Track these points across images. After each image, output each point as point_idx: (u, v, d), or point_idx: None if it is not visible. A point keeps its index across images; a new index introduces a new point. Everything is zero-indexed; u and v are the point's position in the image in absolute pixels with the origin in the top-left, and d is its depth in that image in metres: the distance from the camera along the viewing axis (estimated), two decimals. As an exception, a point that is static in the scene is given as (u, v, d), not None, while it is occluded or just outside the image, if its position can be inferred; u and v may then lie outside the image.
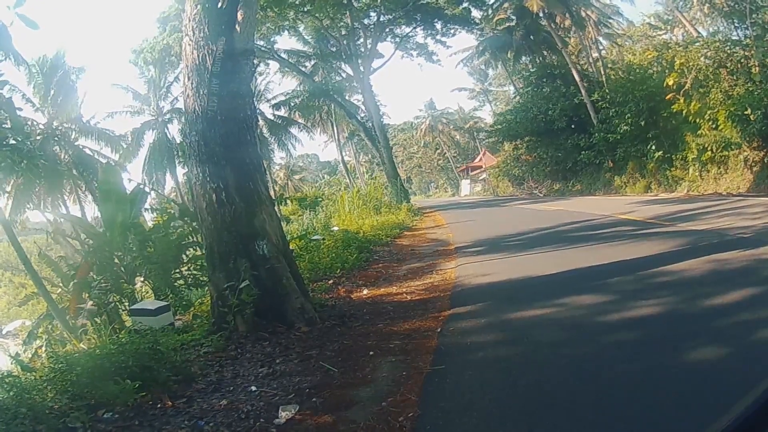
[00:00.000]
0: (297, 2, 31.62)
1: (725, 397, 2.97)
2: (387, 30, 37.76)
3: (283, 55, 37.40)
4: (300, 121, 43.12)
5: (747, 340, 4.12)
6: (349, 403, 3.96)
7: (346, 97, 40.91)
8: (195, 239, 9.26)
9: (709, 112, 20.25)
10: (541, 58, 38.22)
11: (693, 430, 2.78)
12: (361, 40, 37.19)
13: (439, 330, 5.57)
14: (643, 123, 24.74)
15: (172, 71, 36.34)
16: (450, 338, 5.27)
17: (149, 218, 10.99)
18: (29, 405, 3.65)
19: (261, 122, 35.53)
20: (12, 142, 8.01)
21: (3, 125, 8.12)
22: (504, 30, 37.62)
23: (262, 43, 33.40)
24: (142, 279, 8.48)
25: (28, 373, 4.79)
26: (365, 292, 8.29)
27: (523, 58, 39.80)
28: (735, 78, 20.40)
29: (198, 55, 6.24)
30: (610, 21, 35.87)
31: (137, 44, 37.13)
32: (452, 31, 38.59)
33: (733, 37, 23.95)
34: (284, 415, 3.82)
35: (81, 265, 8.21)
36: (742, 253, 7.23)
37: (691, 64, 21.28)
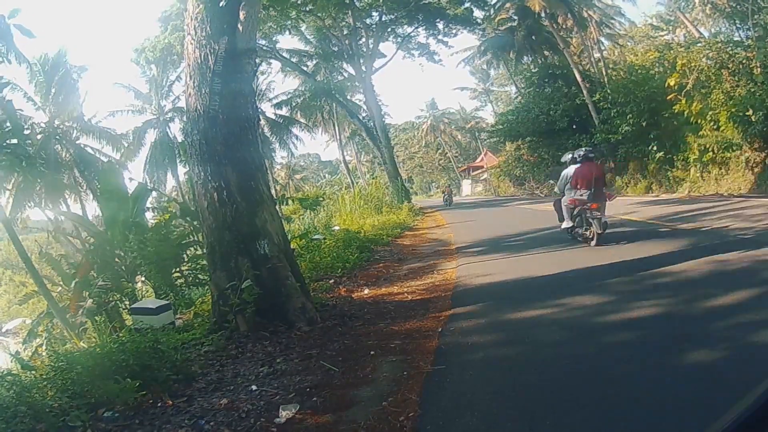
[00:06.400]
0: (299, 2, 31.59)
1: (724, 398, 2.97)
2: (389, 30, 37.77)
3: (285, 55, 37.41)
4: (301, 120, 43.11)
5: (747, 341, 4.11)
6: (349, 402, 3.96)
7: (348, 97, 40.95)
8: (196, 238, 9.28)
9: (710, 112, 20.21)
10: (542, 59, 38.20)
11: (692, 429, 2.78)
12: (363, 39, 37.19)
13: (439, 330, 5.57)
14: (644, 123, 24.70)
15: (174, 70, 36.39)
16: (451, 338, 5.27)
17: (150, 217, 11.00)
18: (29, 403, 3.65)
19: (262, 121, 35.48)
20: (14, 141, 8.03)
21: (4, 127, 8.13)
22: (506, 30, 37.62)
23: (264, 42, 33.42)
24: (142, 278, 8.50)
25: (29, 372, 4.80)
26: (366, 291, 8.29)
27: (525, 58, 39.77)
28: (737, 79, 20.35)
29: (200, 54, 6.24)
30: (612, 21, 35.88)
31: (139, 43, 37.10)
32: (454, 31, 38.60)
33: (735, 38, 23.94)
34: (285, 414, 3.82)
35: (81, 264, 8.24)
36: (743, 254, 7.23)
37: (692, 64, 21.23)
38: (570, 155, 10.58)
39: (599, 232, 9.37)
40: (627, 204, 18.51)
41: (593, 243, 9.47)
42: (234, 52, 6.33)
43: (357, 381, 4.39)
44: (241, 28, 6.58)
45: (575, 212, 9.94)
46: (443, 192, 39.30)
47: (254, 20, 7.12)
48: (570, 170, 10.09)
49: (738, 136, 19.03)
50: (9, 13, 7.06)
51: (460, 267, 9.58)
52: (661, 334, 4.58)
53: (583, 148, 10.89)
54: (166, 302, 6.77)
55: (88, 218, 19.55)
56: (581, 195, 9.64)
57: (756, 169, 18.70)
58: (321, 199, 21.01)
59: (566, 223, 10.22)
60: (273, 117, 40.66)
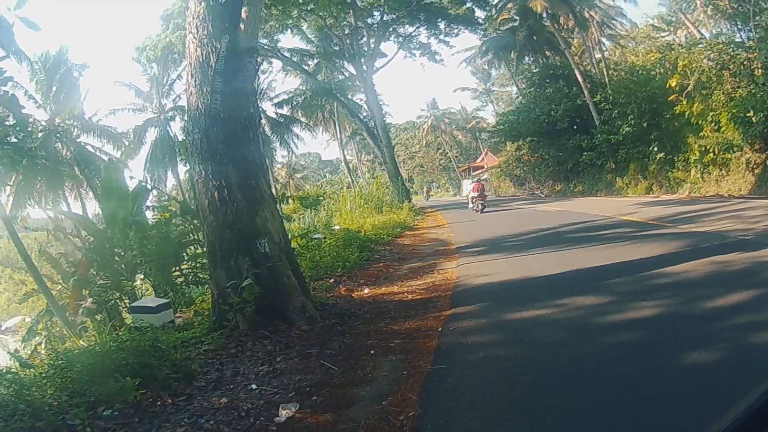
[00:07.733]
0: (301, 1, 31.62)
1: (724, 398, 2.97)
2: (390, 29, 37.80)
3: (287, 54, 37.43)
4: (302, 119, 43.08)
5: (747, 342, 4.11)
6: (349, 401, 3.96)
7: (349, 96, 40.98)
8: (196, 237, 9.27)
9: (711, 113, 20.21)
10: (544, 59, 38.13)
11: (692, 430, 2.78)
12: (365, 39, 37.20)
13: (439, 329, 5.57)
14: (645, 124, 24.70)
15: (175, 69, 36.37)
16: (451, 338, 5.27)
17: (150, 216, 10.98)
18: (28, 401, 3.64)
19: (263, 120, 35.36)
20: (14, 140, 8.00)
21: (5, 122, 8.10)
22: (507, 30, 37.55)
23: (265, 41, 33.43)
24: (142, 276, 8.48)
25: (28, 370, 4.79)
26: (366, 291, 8.29)
27: (526, 58, 39.69)
28: (738, 80, 20.36)
29: (202, 53, 6.24)
30: (614, 22, 35.85)
31: (140, 41, 37.13)
32: (455, 31, 38.66)
33: (737, 39, 23.89)
34: (284, 413, 3.82)
35: (81, 262, 8.22)
36: (743, 255, 7.23)
37: (693, 65, 21.23)
38: (469, 179, 27.13)
39: (482, 209, 22.72)
40: (627, 205, 18.52)
41: (480, 213, 22.32)
42: (235, 50, 6.33)
43: (357, 380, 4.39)
44: (242, 26, 6.58)
45: (473, 201, 23.44)
46: (425, 191, 56.67)
47: (256, 19, 7.12)
48: (472, 185, 24.60)
49: (739, 137, 19.03)
50: (15, 4, 6.99)
51: (460, 267, 9.58)
52: (662, 335, 4.58)
53: (477, 177, 31.85)
54: (166, 301, 6.75)
55: (89, 217, 19.54)
56: (474, 194, 23.45)
57: (756, 170, 18.70)
58: (321, 198, 21.02)
59: (470, 205, 23.80)
60: (274, 116, 40.63)
